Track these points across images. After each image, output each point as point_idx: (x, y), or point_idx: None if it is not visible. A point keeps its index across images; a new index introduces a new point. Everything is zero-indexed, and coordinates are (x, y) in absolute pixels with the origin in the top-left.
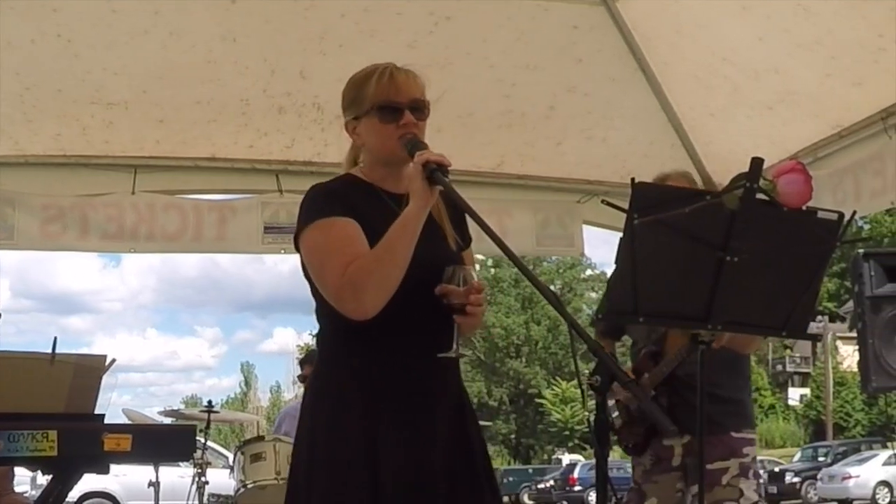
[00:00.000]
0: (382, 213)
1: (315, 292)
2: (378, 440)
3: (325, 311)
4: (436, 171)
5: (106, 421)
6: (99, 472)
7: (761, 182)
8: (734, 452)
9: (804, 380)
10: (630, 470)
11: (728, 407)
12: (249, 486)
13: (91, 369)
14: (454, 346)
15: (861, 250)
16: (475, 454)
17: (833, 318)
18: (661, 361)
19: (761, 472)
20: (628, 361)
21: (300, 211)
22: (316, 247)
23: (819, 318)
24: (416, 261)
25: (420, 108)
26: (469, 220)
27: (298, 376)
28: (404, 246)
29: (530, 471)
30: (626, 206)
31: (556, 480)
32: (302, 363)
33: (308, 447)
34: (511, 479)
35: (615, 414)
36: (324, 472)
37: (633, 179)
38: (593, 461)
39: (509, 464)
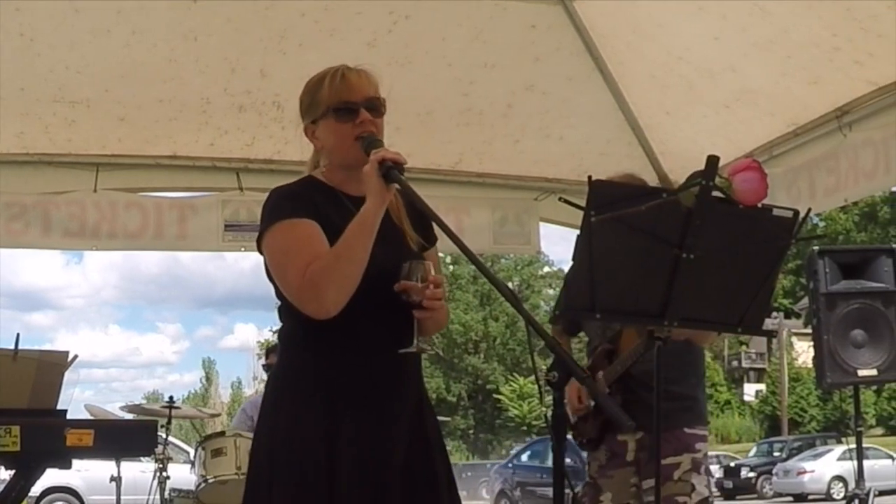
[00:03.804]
0: (343, 215)
1: (279, 292)
2: (338, 437)
3: (288, 310)
4: (392, 169)
5: (68, 416)
6: (61, 468)
7: (717, 180)
8: (687, 448)
9: (760, 376)
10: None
11: (681, 403)
12: (210, 480)
13: (54, 365)
14: (414, 341)
15: (816, 247)
16: (433, 451)
17: (788, 314)
18: (616, 359)
19: (717, 467)
20: (585, 359)
21: (262, 213)
22: (277, 248)
23: (774, 314)
24: (374, 260)
25: (375, 106)
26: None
27: (263, 365)
28: (362, 244)
29: (488, 466)
30: (583, 203)
31: None
32: (268, 352)
33: (269, 443)
34: (469, 473)
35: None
36: (284, 468)
37: (590, 177)
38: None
39: (468, 459)
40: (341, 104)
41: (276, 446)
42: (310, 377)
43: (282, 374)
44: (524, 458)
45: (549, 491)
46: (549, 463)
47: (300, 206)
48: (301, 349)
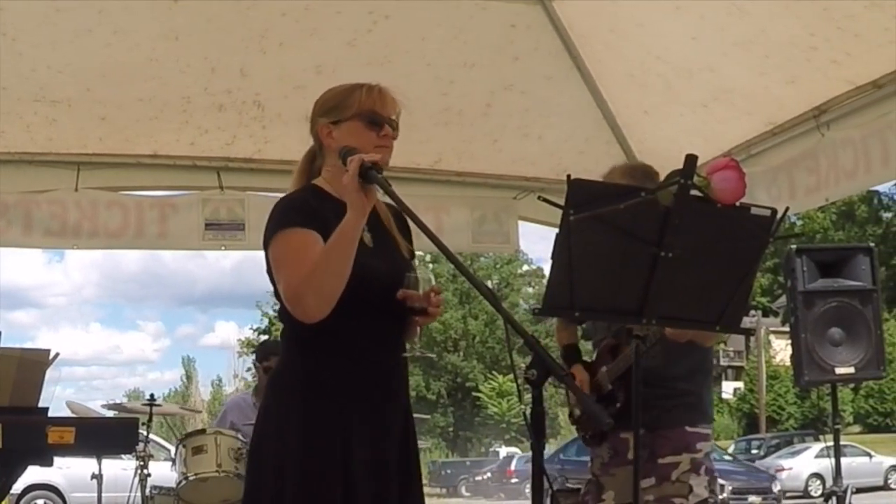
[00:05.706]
0: None
1: (278, 294)
2: (350, 440)
3: (288, 314)
4: (370, 170)
5: (50, 414)
6: (43, 465)
7: (695, 178)
8: (687, 447)
9: (738, 374)
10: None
11: (685, 400)
12: (191, 478)
13: (35, 363)
14: (417, 346)
15: (794, 246)
16: (414, 450)
17: (766, 312)
18: (620, 355)
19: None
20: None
21: (269, 220)
22: (276, 256)
23: (752, 312)
24: (372, 270)
25: (395, 128)
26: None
27: (263, 368)
28: (339, 255)
29: (468, 463)
30: (562, 202)
31: (493, 473)
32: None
33: (278, 438)
34: (449, 471)
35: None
36: (297, 472)
37: (568, 176)
38: (529, 454)
39: (447, 456)
40: (374, 113)
41: (289, 447)
42: (314, 381)
43: (283, 378)
44: (572, 452)
45: None
46: None
47: (304, 215)
48: (300, 354)
